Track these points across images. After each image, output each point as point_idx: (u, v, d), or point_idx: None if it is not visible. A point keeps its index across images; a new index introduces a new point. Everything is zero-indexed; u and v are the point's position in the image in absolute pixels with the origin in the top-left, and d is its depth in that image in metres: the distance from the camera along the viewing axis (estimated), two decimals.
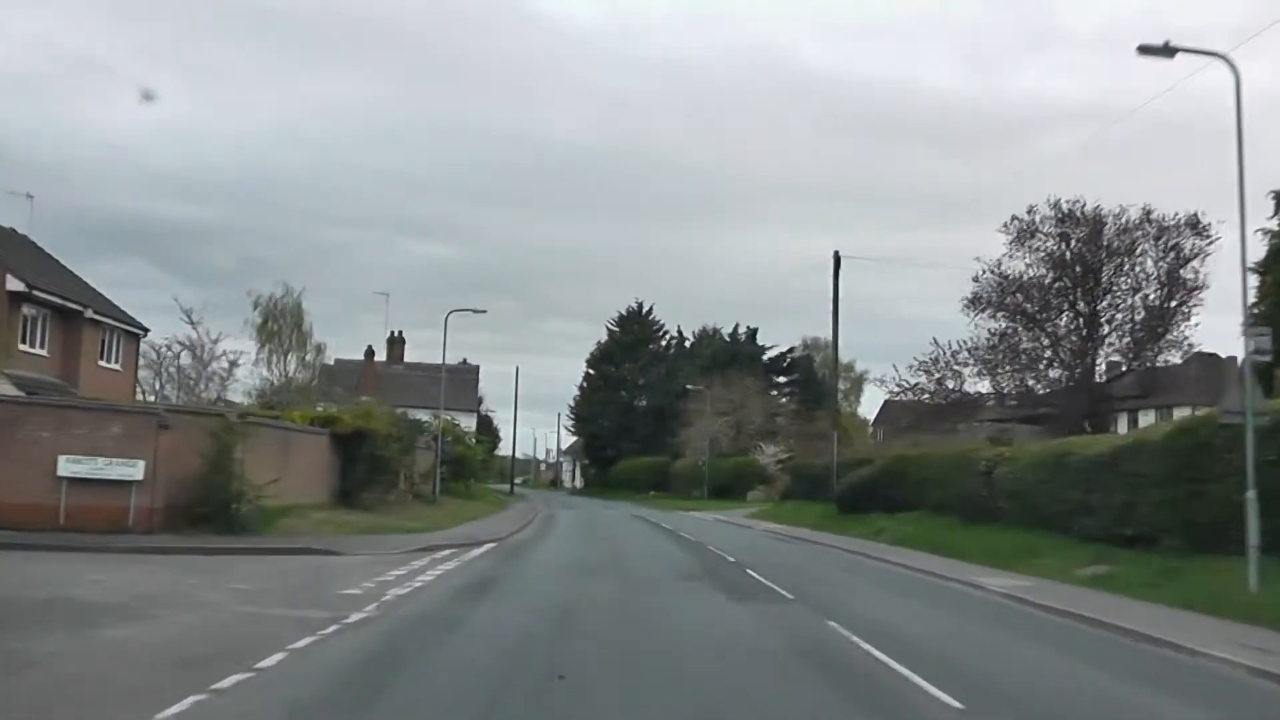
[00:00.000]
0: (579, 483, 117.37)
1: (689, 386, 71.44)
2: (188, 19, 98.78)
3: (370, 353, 62.29)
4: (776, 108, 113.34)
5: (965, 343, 33.02)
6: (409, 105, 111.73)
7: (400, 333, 67.53)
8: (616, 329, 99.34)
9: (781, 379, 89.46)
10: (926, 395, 33.74)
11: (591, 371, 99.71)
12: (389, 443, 30.20)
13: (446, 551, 21.16)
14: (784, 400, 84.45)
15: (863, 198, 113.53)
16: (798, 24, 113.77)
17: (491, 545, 23.64)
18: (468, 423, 60.67)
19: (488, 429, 78.01)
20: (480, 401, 74.38)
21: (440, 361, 71.84)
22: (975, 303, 32.66)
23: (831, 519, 38.16)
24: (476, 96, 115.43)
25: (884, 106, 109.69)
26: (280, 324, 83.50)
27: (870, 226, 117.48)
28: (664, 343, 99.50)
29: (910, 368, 34.00)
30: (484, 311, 41.50)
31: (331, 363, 70.69)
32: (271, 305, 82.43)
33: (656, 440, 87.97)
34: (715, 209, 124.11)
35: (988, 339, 32.73)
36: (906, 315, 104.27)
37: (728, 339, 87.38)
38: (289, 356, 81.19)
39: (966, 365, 33.03)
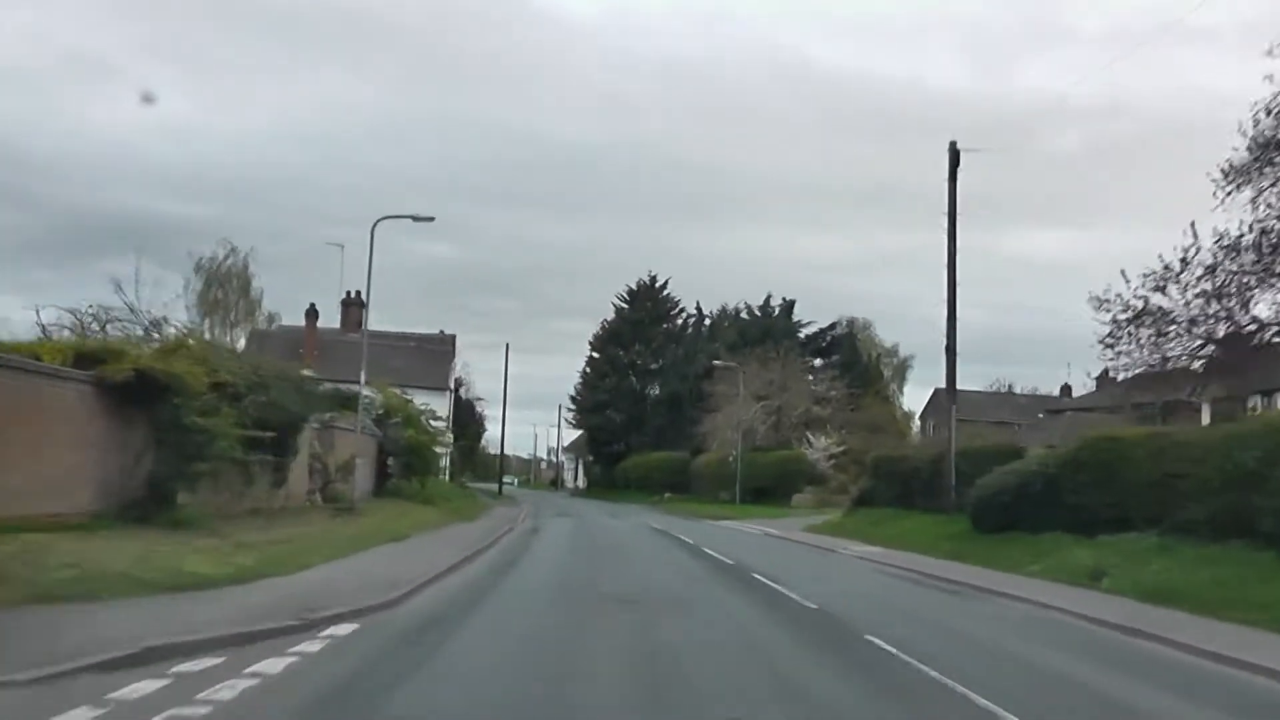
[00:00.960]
0: (582, 482, 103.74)
1: (717, 363, 57.77)
2: (188, 16, 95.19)
3: (312, 313, 48.53)
4: (780, 106, 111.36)
5: (1226, 233, 19.02)
6: (409, 103, 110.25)
7: (357, 293, 53.88)
8: (625, 305, 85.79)
9: (818, 361, 75.75)
10: (1174, 326, 19.39)
11: (596, 355, 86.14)
12: (216, 406, 16.40)
13: (161, 684, 7.45)
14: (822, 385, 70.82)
15: (868, 196, 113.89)
16: (801, 21, 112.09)
17: (343, 631, 9.91)
18: (433, 403, 47.23)
19: (470, 417, 64.45)
20: (459, 384, 60.86)
21: (412, 330, 58.46)
22: (1251, 166, 18.63)
23: (965, 541, 24.51)
24: (477, 95, 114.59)
25: (889, 104, 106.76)
26: (225, 290, 70.70)
27: (875, 225, 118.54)
28: (680, 321, 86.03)
29: (1145, 277, 19.63)
30: (430, 219, 27.71)
31: (273, 328, 57.45)
32: (214, 269, 69.95)
33: (673, 433, 74.50)
34: (718, 208, 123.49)
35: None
36: (926, 315, 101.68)
37: (758, 313, 73.60)
38: (235, 330, 68.39)
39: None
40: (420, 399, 47.65)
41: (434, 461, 36.75)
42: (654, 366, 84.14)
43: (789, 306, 73.03)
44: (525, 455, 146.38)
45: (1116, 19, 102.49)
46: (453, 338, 53.52)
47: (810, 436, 52.42)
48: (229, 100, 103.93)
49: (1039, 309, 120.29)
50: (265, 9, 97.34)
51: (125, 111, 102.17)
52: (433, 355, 50.04)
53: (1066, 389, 73.71)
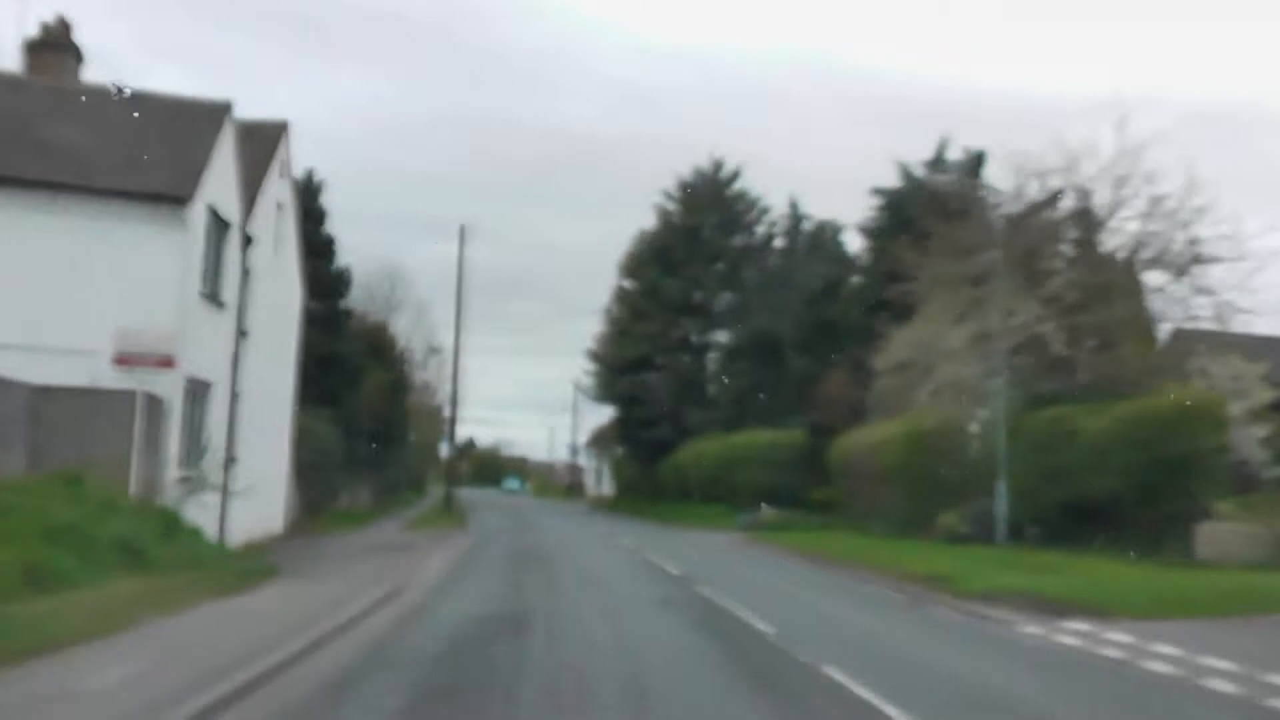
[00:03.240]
0: (609, 487, 71.56)
1: (947, 179, 25.26)
2: (197, 14, 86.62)
3: None
4: (803, 99, 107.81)
5: None
6: (427, 102, 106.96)
7: (60, 22, 21.98)
8: (676, 207, 53.60)
9: None
10: None
11: (627, 284, 53.94)
12: None
13: None
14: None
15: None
16: (822, 11, 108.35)
17: None
18: (151, 241, 15.44)
19: (382, 350, 32.13)
20: (327, 253, 28.84)
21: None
22: None
23: None
24: (497, 91, 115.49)
25: (911, 96, 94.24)
26: None
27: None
28: (763, 230, 53.42)
29: None
30: None
31: None
32: None
33: (761, 404, 42.31)
34: None
35: None
36: None
37: (922, 174, 40.05)
38: None
39: None
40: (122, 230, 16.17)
41: None
42: (722, 302, 51.98)
43: (976, 161, 39.63)
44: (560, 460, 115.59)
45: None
46: (280, 126, 21.42)
47: (1220, 367, 19.90)
48: (244, 101, 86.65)
49: None
50: (276, 6, 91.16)
51: None
52: (175, 126, 17.78)
53: None
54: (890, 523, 24.89)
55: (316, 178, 28.11)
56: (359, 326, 31.32)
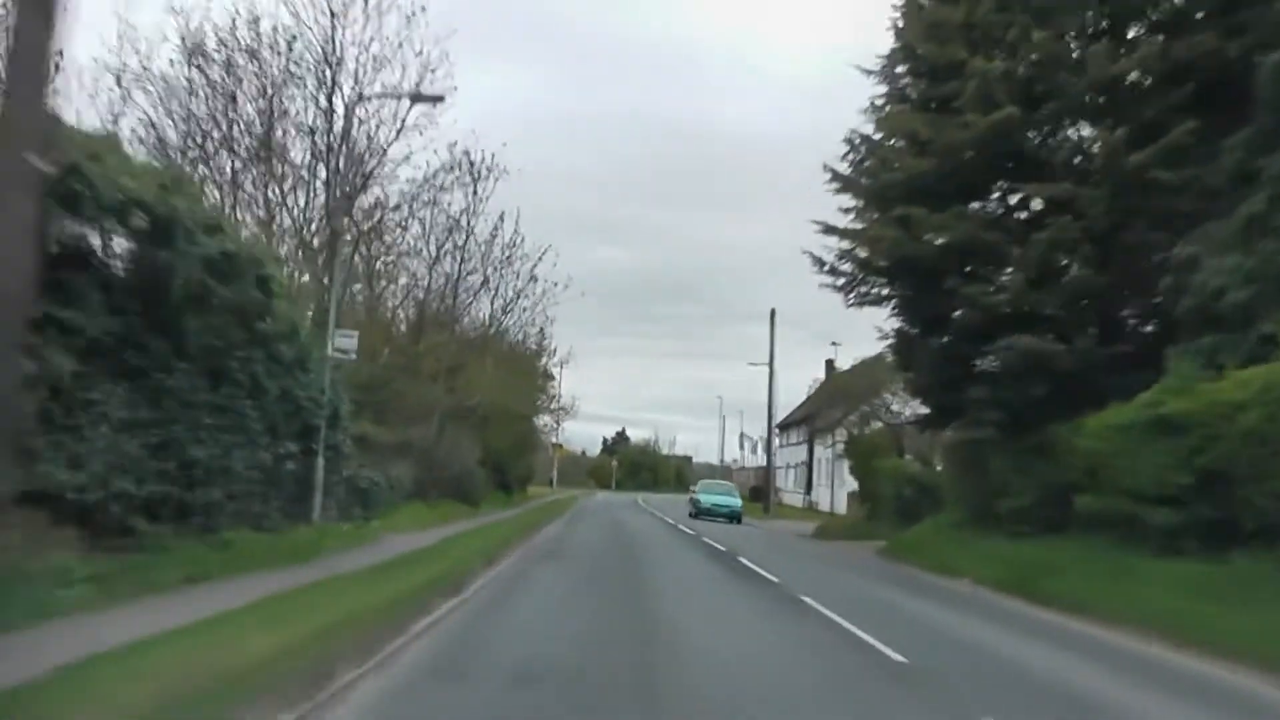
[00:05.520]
0: (832, 497, 39.70)
1: None
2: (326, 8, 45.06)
3: None
4: None
5: None
6: (580, 100, 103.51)
7: None
8: None
9: None
10: None
11: (926, 4, 22.08)
12: None
13: None
14: None
15: None
16: None
17: None
18: None
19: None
20: None
21: None
22: None
23: None
24: (650, 89, 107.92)
25: None
26: None
27: None
28: None
29: None
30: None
31: None
32: None
33: None
34: None
35: None
36: None
37: None
38: None
39: None
40: None
41: None
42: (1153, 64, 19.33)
43: None
44: (736, 462, 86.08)
45: None
46: None
47: None
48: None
49: None
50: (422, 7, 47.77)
51: None
52: None
53: None
54: None
55: None
56: None
